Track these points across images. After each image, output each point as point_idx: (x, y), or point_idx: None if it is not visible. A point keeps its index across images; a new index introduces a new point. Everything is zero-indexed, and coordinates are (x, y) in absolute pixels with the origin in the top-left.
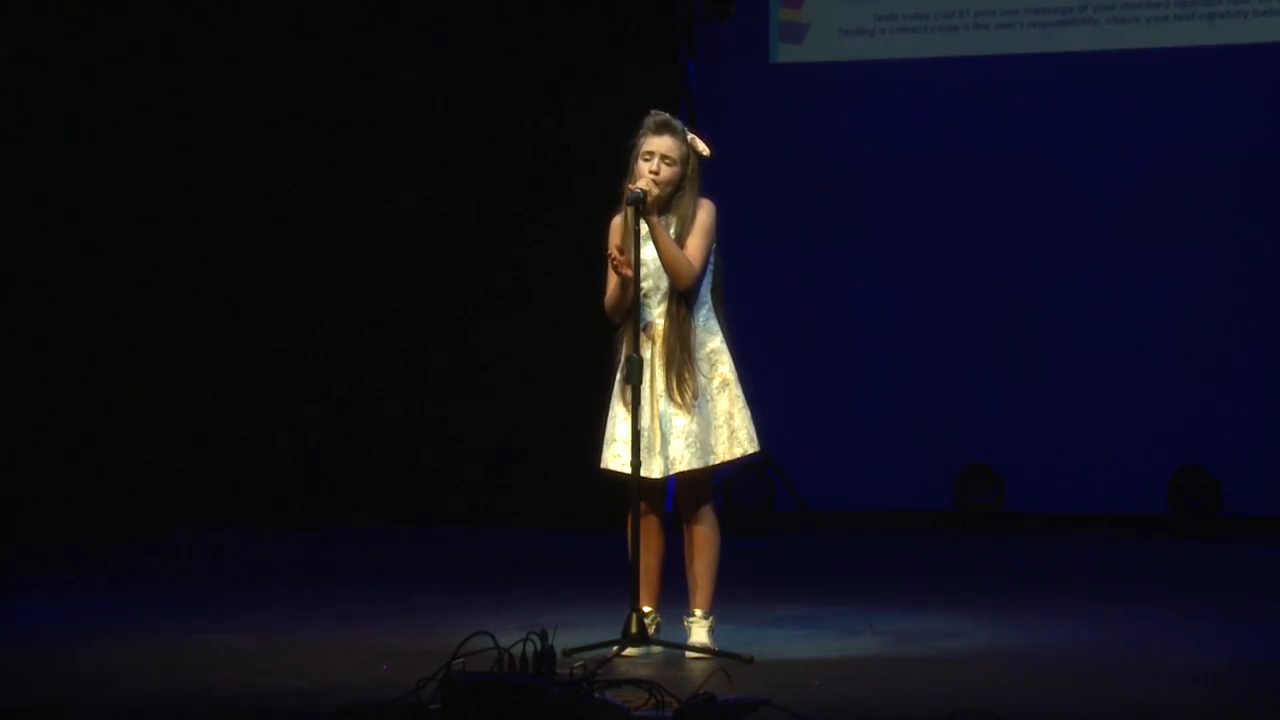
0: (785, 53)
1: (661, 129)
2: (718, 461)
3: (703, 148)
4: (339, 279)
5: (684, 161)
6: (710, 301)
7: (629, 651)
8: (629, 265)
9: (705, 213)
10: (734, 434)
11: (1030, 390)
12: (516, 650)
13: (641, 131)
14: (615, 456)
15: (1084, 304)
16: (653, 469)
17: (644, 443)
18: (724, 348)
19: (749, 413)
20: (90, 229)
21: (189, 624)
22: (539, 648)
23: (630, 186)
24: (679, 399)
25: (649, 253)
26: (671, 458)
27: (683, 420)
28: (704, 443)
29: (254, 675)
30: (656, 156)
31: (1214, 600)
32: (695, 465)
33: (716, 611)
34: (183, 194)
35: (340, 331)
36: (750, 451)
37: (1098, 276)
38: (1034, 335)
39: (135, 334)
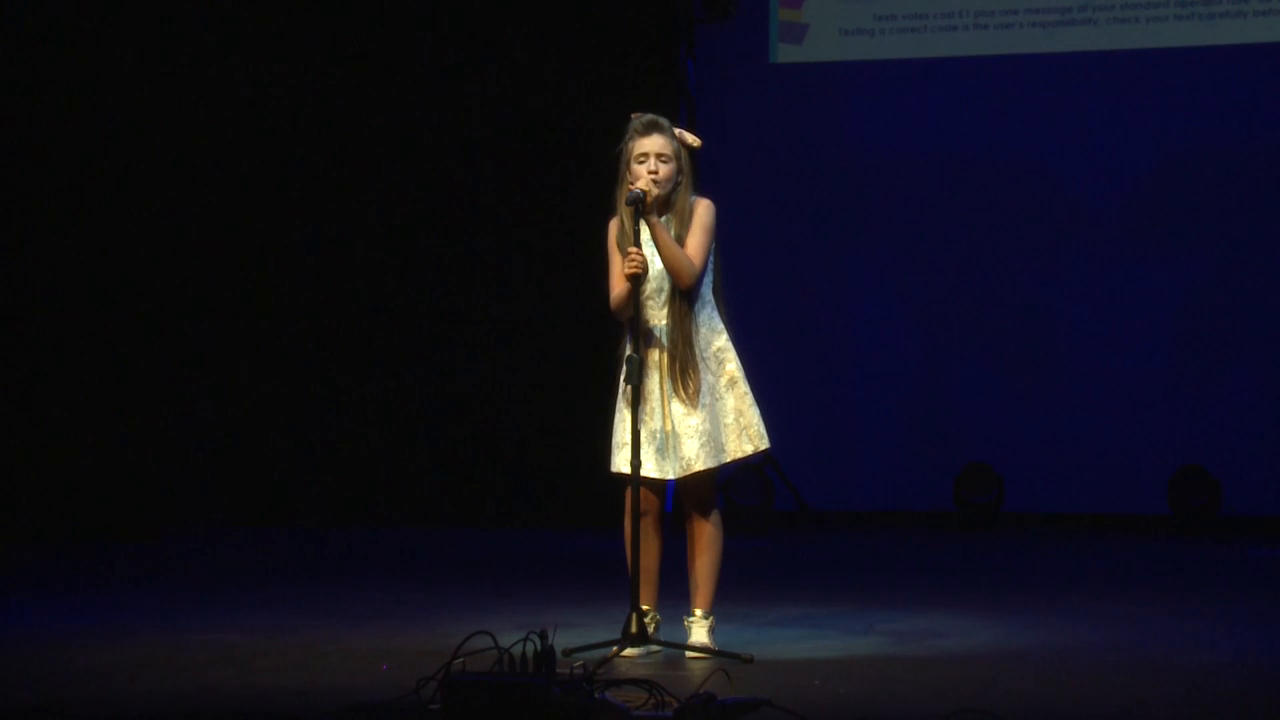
0: (785, 53)
1: (650, 128)
2: (730, 459)
3: (691, 139)
4: (339, 280)
5: (678, 157)
6: (713, 300)
7: (629, 651)
8: (641, 265)
9: (705, 211)
10: (744, 430)
11: (1030, 390)
12: (516, 650)
13: (629, 136)
14: (629, 460)
15: (1084, 304)
16: (667, 470)
17: (658, 445)
18: (729, 345)
19: (758, 409)
20: (89, 228)
21: (189, 624)
22: (539, 648)
23: (630, 186)
24: (685, 397)
25: (650, 253)
26: (687, 458)
27: (695, 420)
28: (716, 441)
29: (254, 675)
30: (651, 156)
31: (1214, 600)
32: (710, 465)
33: (716, 611)
34: (182, 195)
35: (340, 332)
36: (762, 448)
37: (1097, 276)
38: (1034, 335)
39: (135, 334)
